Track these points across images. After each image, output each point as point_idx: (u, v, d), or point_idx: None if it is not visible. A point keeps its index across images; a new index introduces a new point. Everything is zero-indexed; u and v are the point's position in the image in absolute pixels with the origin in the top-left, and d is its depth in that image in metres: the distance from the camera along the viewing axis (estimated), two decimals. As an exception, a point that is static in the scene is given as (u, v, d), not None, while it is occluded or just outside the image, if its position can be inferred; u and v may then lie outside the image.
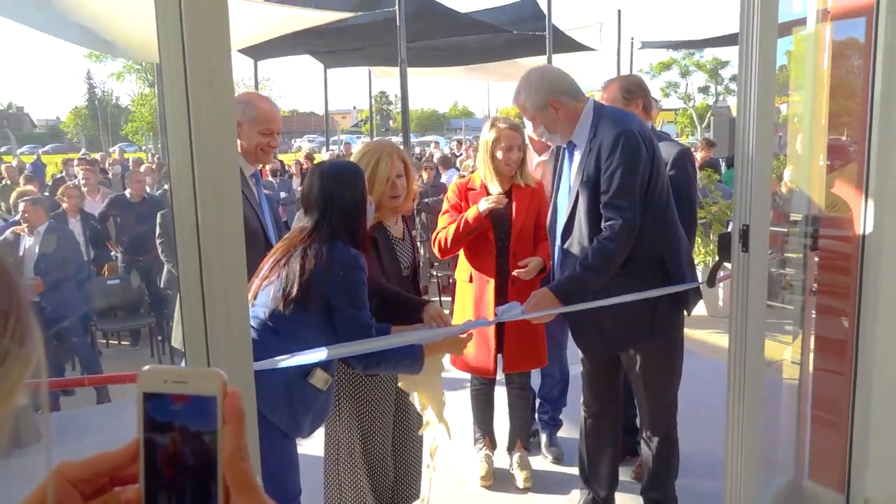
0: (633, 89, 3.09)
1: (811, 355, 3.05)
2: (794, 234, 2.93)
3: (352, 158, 2.71)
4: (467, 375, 3.52)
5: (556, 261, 2.74)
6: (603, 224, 2.49)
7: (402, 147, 3.39)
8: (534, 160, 3.56)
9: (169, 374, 0.52)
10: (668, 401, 2.80)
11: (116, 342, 6.71)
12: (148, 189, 8.09)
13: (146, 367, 0.53)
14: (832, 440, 2.95)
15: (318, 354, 2.08)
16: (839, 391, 2.90)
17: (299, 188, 8.12)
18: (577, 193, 2.57)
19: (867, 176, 2.56)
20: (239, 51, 10.88)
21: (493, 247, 3.20)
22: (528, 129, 2.82)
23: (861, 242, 2.61)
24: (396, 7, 7.36)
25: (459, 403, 3.80)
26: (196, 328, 1.47)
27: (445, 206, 3.34)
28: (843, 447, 2.86)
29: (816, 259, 2.85)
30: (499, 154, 3.15)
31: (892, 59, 2.40)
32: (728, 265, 2.36)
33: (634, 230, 2.46)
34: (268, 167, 11.99)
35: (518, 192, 3.23)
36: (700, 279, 2.79)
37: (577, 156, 2.61)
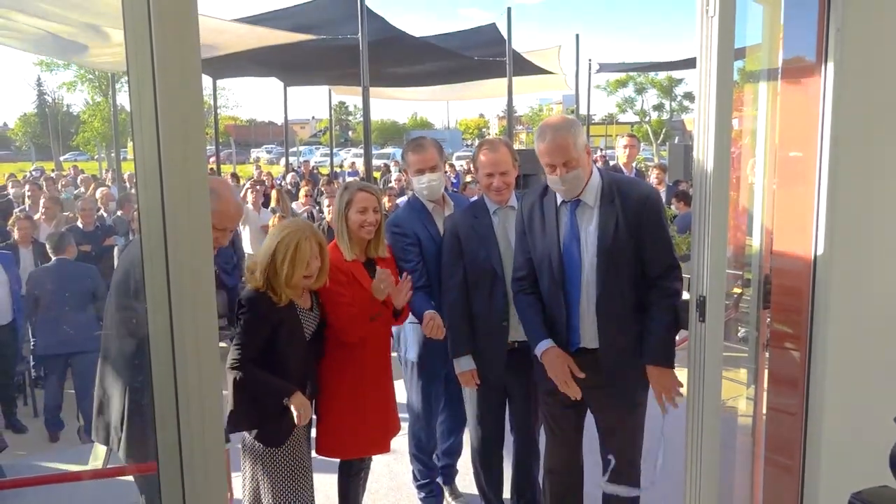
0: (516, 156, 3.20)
1: (764, 406, 3.14)
2: (747, 294, 3.02)
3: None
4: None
5: (575, 312, 2.72)
6: (666, 284, 2.63)
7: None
8: None
9: None
10: (640, 455, 2.88)
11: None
12: (105, 214, 7.93)
13: None
14: (785, 487, 3.05)
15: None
16: (791, 433, 2.99)
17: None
18: (606, 252, 2.61)
19: (817, 204, 2.60)
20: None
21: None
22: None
23: (812, 275, 2.67)
24: (360, 35, 7.39)
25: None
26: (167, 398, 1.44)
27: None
28: (795, 495, 2.95)
29: (768, 318, 2.95)
30: (352, 216, 2.99)
31: (841, 77, 2.48)
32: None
33: None
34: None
35: (382, 265, 3.08)
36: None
37: (590, 214, 2.67)
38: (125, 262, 2.66)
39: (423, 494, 3.68)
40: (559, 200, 2.72)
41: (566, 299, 2.71)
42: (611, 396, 2.77)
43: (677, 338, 2.65)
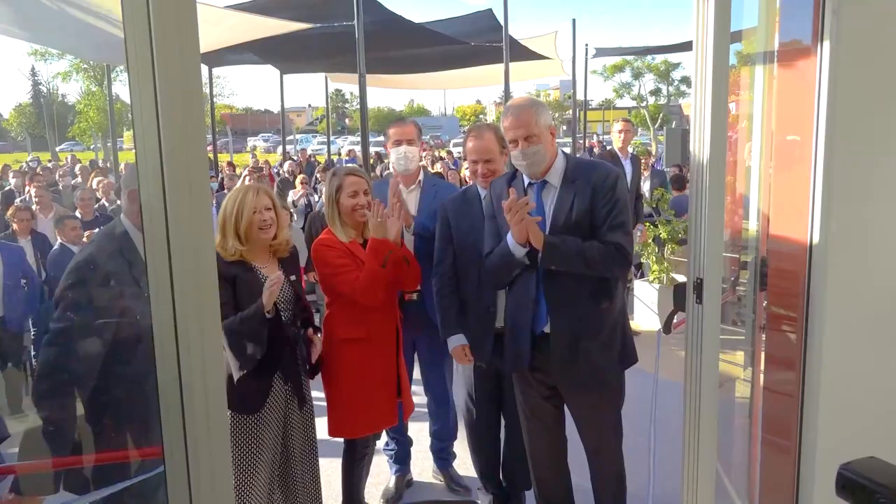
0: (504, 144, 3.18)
1: (761, 390, 3.17)
2: (744, 276, 3.04)
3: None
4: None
5: (542, 293, 2.70)
6: (615, 244, 2.58)
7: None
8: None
9: None
10: (620, 437, 2.90)
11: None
12: (106, 203, 7.90)
13: None
14: (782, 466, 3.09)
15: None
16: (788, 413, 3.02)
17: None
18: (560, 231, 2.61)
19: (813, 187, 2.61)
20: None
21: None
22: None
23: (808, 257, 2.69)
24: (356, 21, 7.35)
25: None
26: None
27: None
28: (791, 474, 2.99)
29: (765, 300, 2.97)
30: (344, 201, 3.04)
31: (836, 57, 2.46)
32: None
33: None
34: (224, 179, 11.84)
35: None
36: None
37: (552, 194, 2.68)
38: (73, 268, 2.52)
39: (388, 458, 3.91)
40: (526, 182, 2.74)
41: (535, 279, 2.70)
42: (584, 384, 2.75)
43: (675, 320, 2.67)
